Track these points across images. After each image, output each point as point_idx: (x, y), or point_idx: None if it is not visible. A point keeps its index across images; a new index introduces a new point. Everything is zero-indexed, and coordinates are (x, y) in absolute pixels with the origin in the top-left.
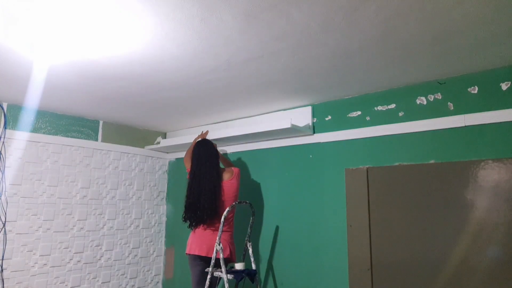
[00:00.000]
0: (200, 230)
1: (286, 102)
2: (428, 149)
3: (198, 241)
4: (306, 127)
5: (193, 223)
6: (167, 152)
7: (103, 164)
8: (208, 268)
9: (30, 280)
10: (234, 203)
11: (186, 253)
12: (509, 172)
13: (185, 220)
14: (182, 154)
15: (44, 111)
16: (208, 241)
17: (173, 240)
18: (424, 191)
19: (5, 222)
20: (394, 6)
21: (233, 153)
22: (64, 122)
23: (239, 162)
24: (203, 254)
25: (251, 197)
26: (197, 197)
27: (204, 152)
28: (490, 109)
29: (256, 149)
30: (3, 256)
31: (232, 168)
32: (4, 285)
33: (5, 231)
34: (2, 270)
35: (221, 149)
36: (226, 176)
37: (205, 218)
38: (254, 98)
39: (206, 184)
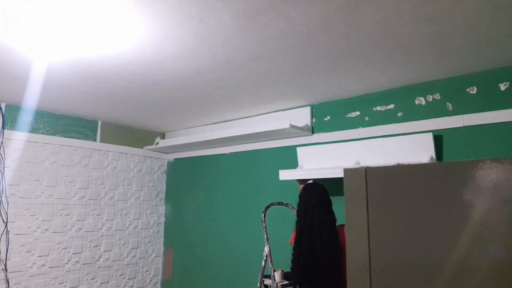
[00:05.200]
0: None
1: (285, 102)
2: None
3: None
4: (305, 127)
5: None
6: (166, 153)
7: (101, 165)
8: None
9: (29, 280)
10: (269, 204)
11: None
12: (508, 172)
13: None
14: (180, 155)
15: (43, 111)
16: None
17: (171, 241)
18: (423, 191)
19: (6, 222)
20: (392, 7)
21: (232, 153)
22: (63, 122)
23: (238, 162)
24: None
25: (251, 197)
26: None
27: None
28: (488, 109)
29: (255, 149)
30: (6, 256)
31: None
32: (10, 285)
33: (7, 231)
34: (6, 269)
35: (221, 149)
36: None
37: None
38: (253, 98)
39: None
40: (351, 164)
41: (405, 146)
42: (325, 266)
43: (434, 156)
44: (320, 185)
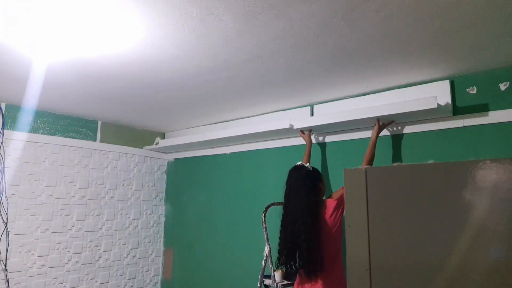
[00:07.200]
0: None
1: (285, 102)
2: (427, 149)
3: None
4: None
5: None
6: (166, 153)
7: (101, 165)
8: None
9: (29, 281)
10: (269, 204)
11: None
12: (508, 172)
13: None
14: (180, 155)
15: (43, 111)
16: None
17: (171, 241)
18: (423, 191)
19: (6, 222)
20: (393, 6)
21: (232, 153)
22: (63, 122)
23: (238, 162)
24: None
25: (251, 197)
26: None
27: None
28: (488, 109)
29: (255, 149)
30: (6, 256)
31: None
32: (9, 285)
33: (7, 231)
34: (6, 269)
35: (221, 149)
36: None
37: None
38: (253, 98)
39: None
40: (370, 111)
41: (422, 94)
42: (303, 248)
43: (450, 102)
44: (304, 167)
